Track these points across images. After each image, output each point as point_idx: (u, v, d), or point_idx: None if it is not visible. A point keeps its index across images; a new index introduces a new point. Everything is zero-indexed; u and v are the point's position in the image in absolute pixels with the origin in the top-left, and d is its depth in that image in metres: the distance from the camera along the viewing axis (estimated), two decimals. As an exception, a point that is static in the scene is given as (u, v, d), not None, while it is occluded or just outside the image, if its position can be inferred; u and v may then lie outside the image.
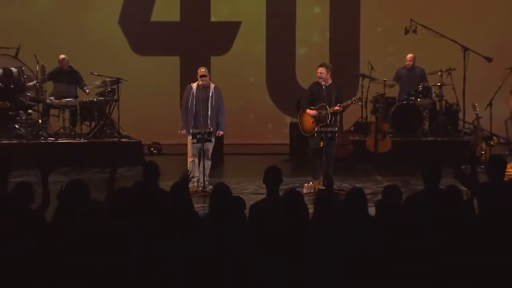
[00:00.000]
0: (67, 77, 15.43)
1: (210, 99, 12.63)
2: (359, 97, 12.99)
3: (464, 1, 16.77)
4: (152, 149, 15.94)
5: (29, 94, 15.06)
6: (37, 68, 14.95)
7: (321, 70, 12.45)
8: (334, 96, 12.30)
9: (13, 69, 15.05)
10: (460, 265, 6.10)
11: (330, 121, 12.32)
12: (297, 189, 10.82)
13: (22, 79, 15.08)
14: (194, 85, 12.63)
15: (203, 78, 12.60)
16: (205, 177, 12.46)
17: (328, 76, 12.42)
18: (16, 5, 16.63)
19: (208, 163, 12.56)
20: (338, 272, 6.06)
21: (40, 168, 7.76)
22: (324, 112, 12.31)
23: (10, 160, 8.90)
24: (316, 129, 12.33)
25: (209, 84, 12.65)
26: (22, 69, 15.19)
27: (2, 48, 15.34)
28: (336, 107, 12.25)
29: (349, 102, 12.45)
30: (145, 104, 16.35)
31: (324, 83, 12.40)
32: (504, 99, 14.40)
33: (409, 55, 15.35)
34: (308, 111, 12.47)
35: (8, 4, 16.65)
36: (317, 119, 12.39)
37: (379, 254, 6.28)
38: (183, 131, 12.63)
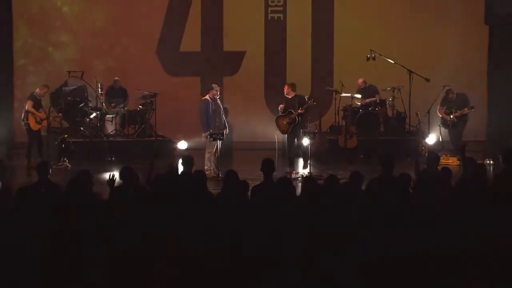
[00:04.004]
0: (118, 93, 15.50)
1: (221, 108, 12.71)
2: (313, 100, 12.96)
3: (410, 36, 16.77)
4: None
5: (90, 105, 15.10)
6: (98, 86, 15.03)
7: (285, 87, 12.95)
8: (297, 103, 12.60)
9: (88, 88, 15.13)
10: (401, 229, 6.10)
11: (298, 121, 12.53)
12: (285, 175, 10.92)
13: (86, 94, 15.13)
14: (208, 98, 12.60)
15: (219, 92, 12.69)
16: (219, 166, 12.47)
17: (289, 90, 12.77)
18: (81, 43, 16.65)
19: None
20: (321, 234, 6.07)
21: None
22: (292, 115, 12.50)
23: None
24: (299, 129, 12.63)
25: None
26: (86, 87, 15.23)
27: (72, 72, 15.39)
28: (300, 110, 12.52)
29: (307, 105, 12.63)
30: (174, 112, 16.34)
31: (288, 96, 12.77)
32: (437, 109, 14.43)
33: (360, 80, 15.40)
34: (280, 107, 12.91)
35: (76, 46, 16.69)
36: (289, 121, 12.66)
37: (348, 217, 6.32)
38: (206, 133, 12.52)
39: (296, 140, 12.68)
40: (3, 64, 16.36)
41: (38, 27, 16.71)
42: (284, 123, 12.72)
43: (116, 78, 15.49)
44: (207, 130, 12.48)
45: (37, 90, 13.95)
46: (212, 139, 12.45)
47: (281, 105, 12.91)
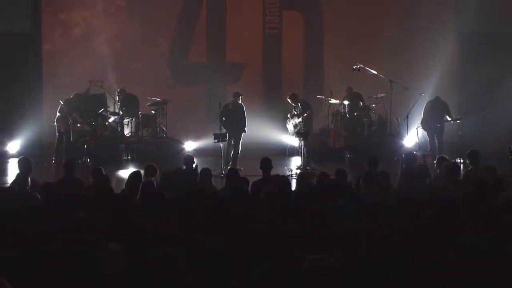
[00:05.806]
0: (128, 99, 15.47)
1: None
2: (310, 111, 13.46)
3: (391, 51, 16.77)
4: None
5: (109, 110, 15.12)
6: (116, 94, 15.05)
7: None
8: (297, 111, 13.17)
9: (107, 95, 15.20)
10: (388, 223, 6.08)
11: (300, 126, 12.98)
12: (283, 172, 10.93)
13: (105, 100, 15.20)
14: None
15: None
16: (223, 161, 12.53)
17: (292, 100, 13.42)
18: (102, 54, 16.60)
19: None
20: (313, 222, 6.07)
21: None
22: (295, 122, 13.04)
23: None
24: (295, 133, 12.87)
25: None
26: (105, 95, 15.27)
27: (93, 81, 15.41)
28: (298, 120, 13.07)
29: (304, 116, 13.08)
30: (183, 116, 16.29)
31: (293, 104, 13.35)
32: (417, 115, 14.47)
33: (346, 88, 15.40)
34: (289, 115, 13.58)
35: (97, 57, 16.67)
36: (293, 126, 13.28)
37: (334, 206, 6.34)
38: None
39: (299, 141, 12.92)
40: (33, 70, 16.38)
41: (64, 37, 16.71)
42: (291, 127, 13.38)
43: (119, 88, 15.46)
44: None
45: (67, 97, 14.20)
46: (216, 140, 12.46)
47: (289, 114, 13.53)
